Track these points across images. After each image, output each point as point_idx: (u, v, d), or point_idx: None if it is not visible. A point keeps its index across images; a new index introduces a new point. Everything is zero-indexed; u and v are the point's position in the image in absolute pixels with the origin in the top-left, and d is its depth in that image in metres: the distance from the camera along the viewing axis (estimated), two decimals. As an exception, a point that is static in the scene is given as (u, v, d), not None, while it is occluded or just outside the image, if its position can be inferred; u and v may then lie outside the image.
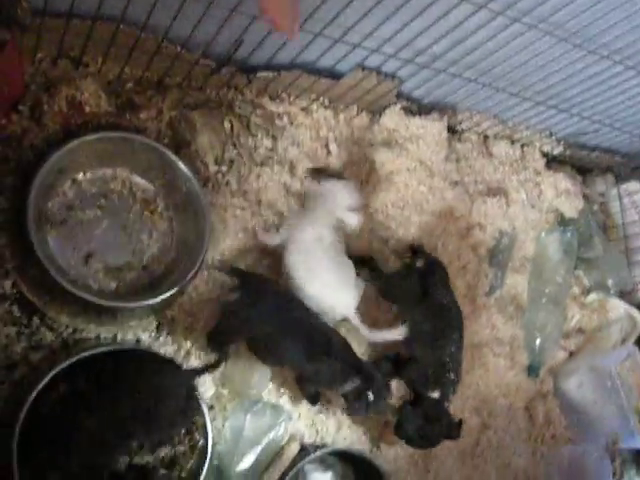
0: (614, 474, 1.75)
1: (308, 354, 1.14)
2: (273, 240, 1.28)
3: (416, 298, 1.33)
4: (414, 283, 1.34)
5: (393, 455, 1.41)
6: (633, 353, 1.69)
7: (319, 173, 1.32)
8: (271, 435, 1.23)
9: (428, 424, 1.27)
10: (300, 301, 1.20)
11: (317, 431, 1.33)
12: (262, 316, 1.14)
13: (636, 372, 1.68)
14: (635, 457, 1.83)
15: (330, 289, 1.23)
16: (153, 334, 1.21)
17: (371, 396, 1.17)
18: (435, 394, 1.29)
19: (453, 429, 1.29)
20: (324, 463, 1.33)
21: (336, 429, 1.34)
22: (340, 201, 1.25)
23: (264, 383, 1.20)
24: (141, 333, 1.20)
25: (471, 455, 1.56)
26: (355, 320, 1.26)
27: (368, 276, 1.38)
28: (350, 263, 1.28)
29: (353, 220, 1.26)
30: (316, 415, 1.33)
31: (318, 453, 1.25)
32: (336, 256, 1.26)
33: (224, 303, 1.17)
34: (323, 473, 1.27)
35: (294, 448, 1.25)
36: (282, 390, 1.29)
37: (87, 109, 1.18)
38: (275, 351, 1.16)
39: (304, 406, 1.31)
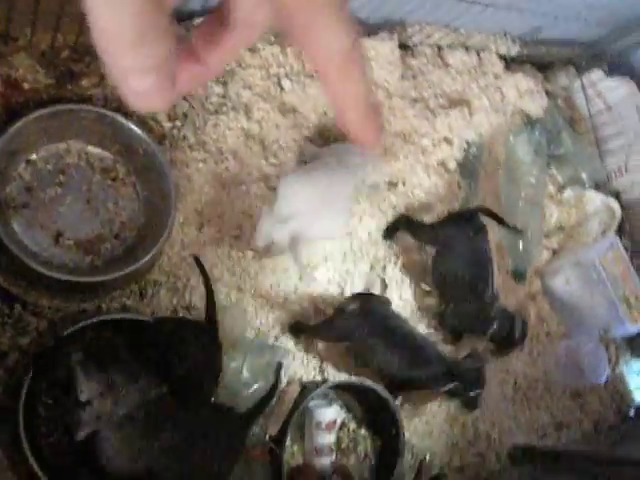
0: (610, 361, 1.80)
1: (411, 364, 1.28)
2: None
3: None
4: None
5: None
6: (615, 243, 1.71)
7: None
8: (270, 374, 1.26)
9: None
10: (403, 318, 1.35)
11: (314, 368, 1.36)
12: (371, 328, 1.25)
13: (619, 261, 1.71)
14: (628, 343, 1.88)
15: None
16: (138, 299, 1.21)
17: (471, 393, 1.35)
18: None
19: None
20: (327, 398, 1.35)
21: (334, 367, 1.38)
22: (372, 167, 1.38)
23: (240, 323, 1.22)
24: (126, 300, 1.20)
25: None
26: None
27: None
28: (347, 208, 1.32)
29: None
30: (313, 354, 1.36)
31: (320, 389, 1.27)
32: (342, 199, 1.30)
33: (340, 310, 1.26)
34: (328, 408, 1.30)
35: (294, 389, 1.27)
36: (280, 330, 1.31)
37: (25, 86, 1.14)
38: (376, 359, 1.28)
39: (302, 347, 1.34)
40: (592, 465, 1.38)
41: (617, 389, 1.84)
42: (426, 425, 1.51)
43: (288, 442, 1.23)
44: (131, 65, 0.28)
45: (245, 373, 1.23)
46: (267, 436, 1.22)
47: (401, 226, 1.46)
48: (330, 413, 1.28)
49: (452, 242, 1.41)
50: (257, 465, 1.24)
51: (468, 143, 1.59)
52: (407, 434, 1.40)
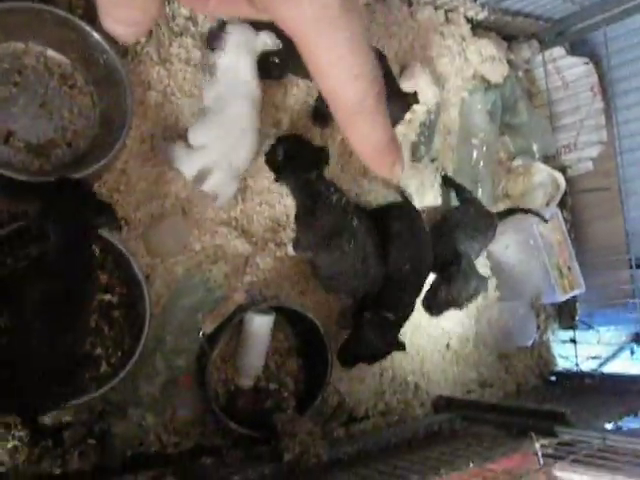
0: (538, 327, 1.89)
1: None
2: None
3: None
4: None
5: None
6: (555, 214, 1.79)
7: None
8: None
9: None
10: None
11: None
12: None
13: (557, 231, 1.78)
14: (557, 312, 1.97)
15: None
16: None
17: None
18: None
19: None
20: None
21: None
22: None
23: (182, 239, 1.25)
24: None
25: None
26: None
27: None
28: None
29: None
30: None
31: (261, 306, 1.31)
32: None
33: None
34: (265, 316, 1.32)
35: (240, 296, 1.31)
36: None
37: (-13, -21, 1.12)
38: None
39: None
40: (508, 416, 1.45)
41: (542, 355, 1.93)
42: (359, 370, 1.55)
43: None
44: None
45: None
46: (201, 332, 1.26)
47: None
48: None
49: None
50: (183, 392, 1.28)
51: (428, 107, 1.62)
52: (338, 375, 1.46)
